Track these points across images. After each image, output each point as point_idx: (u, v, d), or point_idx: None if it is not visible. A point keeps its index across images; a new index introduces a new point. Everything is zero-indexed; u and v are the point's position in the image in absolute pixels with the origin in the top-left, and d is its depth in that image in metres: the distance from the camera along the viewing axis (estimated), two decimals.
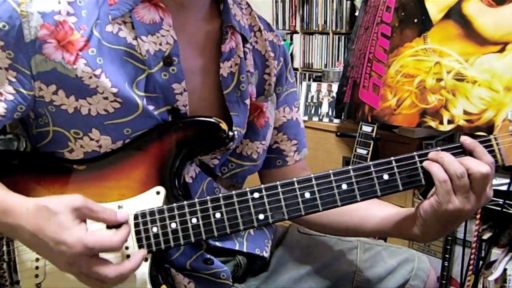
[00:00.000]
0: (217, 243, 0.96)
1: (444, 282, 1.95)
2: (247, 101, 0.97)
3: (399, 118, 1.75)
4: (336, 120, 2.44)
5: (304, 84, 2.59)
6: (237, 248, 0.99)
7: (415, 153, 0.83)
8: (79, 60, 0.82)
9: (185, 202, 0.84)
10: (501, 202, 1.78)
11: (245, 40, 0.97)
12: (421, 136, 2.04)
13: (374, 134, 1.98)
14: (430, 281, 1.04)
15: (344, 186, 0.83)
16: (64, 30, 0.82)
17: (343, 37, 3.08)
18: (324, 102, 2.51)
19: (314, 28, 3.23)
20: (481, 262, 1.91)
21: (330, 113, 2.48)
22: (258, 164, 1.05)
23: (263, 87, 1.03)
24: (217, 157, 0.98)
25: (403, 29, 1.75)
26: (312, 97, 2.54)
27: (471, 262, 1.90)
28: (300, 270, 1.05)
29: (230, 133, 0.90)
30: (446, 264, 1.93)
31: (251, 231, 1.04)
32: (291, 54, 3.36)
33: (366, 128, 2.00)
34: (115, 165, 0.87)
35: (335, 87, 2.43)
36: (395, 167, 0.83)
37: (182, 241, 0.84)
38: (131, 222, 0.85)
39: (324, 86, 2.53)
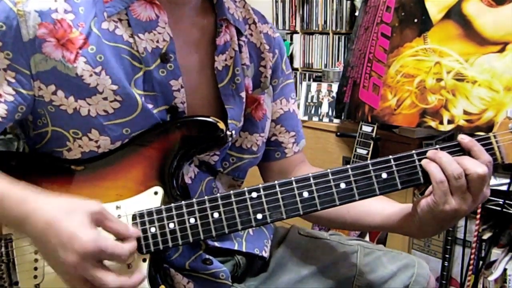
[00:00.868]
0: (216, 243, 0.96)
1: (444, 282, 1.94)
2: (243, 94, 0.97)
3: (399, 118, 1.75)
4: (336, 120, 2.43)
5: (304, 84, 2.59)
6: (236, 248, 0.99)
7: (413, 151, 0.83)
8: (79, 58, 0.82)
9: (183, 202, 0.84)
10: (501, 202, 1.78)
11: (239, 33, 0.97)
12: (421, 136, 2.04)
13: (374, 134, 1.97)
14: (430, 287, 1.04)
15: (343, 185, 0.83)
16: (62, 28, 0.82)
17: (343, 37, 3.08)
18: (324, 102, 2.51)
19: (314, 28, 3.23)
20: (481, 262, 1.91)
21: (330, 113, 2.47)
22: (259, 156, 1.05)
23: (259, 79, 1.03)
24: (217, 153, 0.97)
25: (403, 29, 1.75)
26: (312, 97, 2.54)
27: (471, 262, 1.90)
28: (300, 272, 1.05)
29: (228, 132, 0.90)
30: (446, 264, 1.93)
31: (250, 231, 1.04)
32: (291, 54, 3.37)
33: (366, 128, 2.00)
34: (113, 166, 0.87)
35: (335, 87, 2.43)
36: (393, 166, 0.83)
37: (180, 241, 0.84)
38: (129, 222, 0.85)
39: (324, 86, 2.53)
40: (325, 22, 3.14)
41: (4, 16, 0.80)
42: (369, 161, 0.83)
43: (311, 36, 3.25)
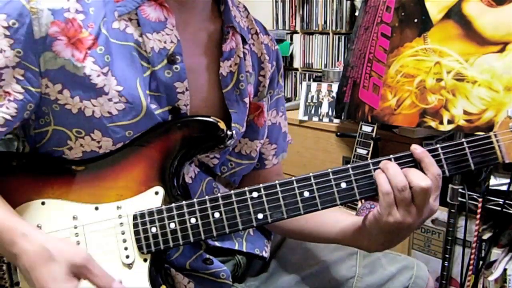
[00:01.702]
0: (217, 243, 0.96)
1: (444, 282, 1.94)
2: (246, 100, 0.98)
3: (399, 118, 1.75)
4: (336, 120, 2.43)
5: (304, 84, 2.59)
6: (236, 248, 0.99)
7: (410, 149, 0.83)
8: (87, 58, 0.82)
9: (183, 202, 0.84)
10: (501, 202, 1.78)
11: (244, 41, 0.98)
12: (421, 136, 2.04)
13: (374, 134, 1.98)
14: None
15: (343, 185, 0.83)
16: (73, 27, 0.82)
17: (343, 37, 3.08)
18: (324, 102, 2.51)
19: (314, 28, 3.23)
20: (481, 262, 1.91)
21: (330, 113, 2.47)
22: (254, 162, 1.06)
23: (257, 88, 1.04)
24: (217, 157, 0.98)
25: (403, 29, 1.75)
26: (312, 97, 2.54)
27: (471, 262, 1.90)
28: (300, 273, 1.05)
29: (229, 132, 0.90)
30: (446, 264, 1.93)
31: (251, 231, 1.04)
32: (291, 54, 3.37)
33: (366, 128, 2.00)
34: (114, 166, 0.87)
35: (335, 87, 2.43)
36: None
37: (181, 241, 0.84)
38: (130, 222, 0.85)
39: (324, 86, 2.53)
40: (325, 22, 3.14)
41: (17, 14, 0.80)
42: (369, 161, 0.83)
43: (311, 36, 3.25)
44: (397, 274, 1.03)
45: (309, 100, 2.55)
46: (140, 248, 0.84)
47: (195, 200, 0.84)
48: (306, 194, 0.83)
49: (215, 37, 0.95)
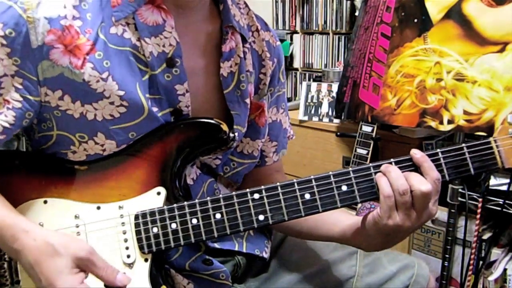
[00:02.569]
0: (216, 244, 0.96)
1: (444, 282, 1.95)
2: (247, 100, 0.98)
3: (399, 118, 1.75)
4: (336, 120, 2.43)
5: (304, 84, 2.59)
6: (236, 248, 0.99)
7: (410, 153, 0.83)
8: (86, 64, 0.82)
9: (185, 203, 0.84)
10: (501, 202, 1.78)
11: (244, 40, 0.98)
12: (421, 136, 2.04)
13: (374, 134, 1.98)
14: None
15: (344, 188, 0.83)
16: (70, 34, 0.82)
17: (343, 37, 3.08)
18: (324, 102, 2.51)
19: (314, 28, 3.23)
20: (481, 262, 1.91)
21: (330, 113, 2.47)
22: (256, 162, 1.06)
23: (258, 86, 1.04)
24: (219, 157, 0.98)
25: (403, 29, 1.75)
26: (312, 97, 2.54)
27: (471, 262, 1.90)
28: (300, 273, 1.05)
29: (231, 134, 0.90)
30: (446, 264, 1.93)
31: (251, 231, 1.04)
32: (291, 54, 3.37)
33: (366, 128, 2.00)
34: (117, 166, 0.87)
35: (335, 87, 2.43)
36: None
37: (182, 242, 0.84)
38: (132, 222, 0.85)
39: (324, 86, 2.53)
40: (325, 22, 3.14)
41: (14, 23, 0.79)
42: (370, 164, 0.83)
43: (311, 36, 3.25)
44: (398, 273, 1.03)
45: (309, 100, 2.55)
46: (141, 248, 0.84)
47: (196, 200, 0.84)
48: (307, 196, 0.83)
49: (214, 37, 0.95)
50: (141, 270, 0.84)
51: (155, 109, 0.87)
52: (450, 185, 1.83)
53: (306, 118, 2.52)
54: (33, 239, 0.77)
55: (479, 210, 1.83)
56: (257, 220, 0.83)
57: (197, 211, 0.84)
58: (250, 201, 0.84)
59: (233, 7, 0.97)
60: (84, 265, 0.77)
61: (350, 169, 0.83)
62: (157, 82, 0.87)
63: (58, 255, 0.76)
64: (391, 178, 0.80)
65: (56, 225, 0.85)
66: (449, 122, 1.61)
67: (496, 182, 1.79)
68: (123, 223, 0.85)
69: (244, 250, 1.00)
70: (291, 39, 3.35)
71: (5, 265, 0.84)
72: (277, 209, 0.83)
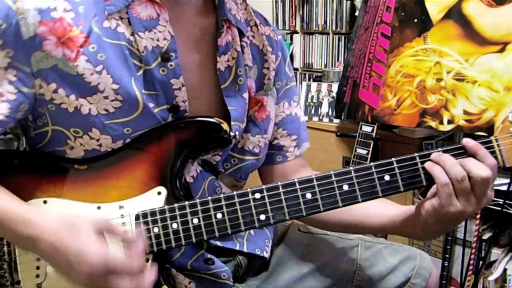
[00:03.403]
0: (218, 243, 0.96)
1: (444, 282, 1.95)
2: (245, 95, 0.97)
3: (399, 118, 1.75)
4: (336, 120, 2.44)
5: (304, 84, 2.59)
6: (237, 248, 0.99)
7: (416, 154, 0.84)
8: (80, 56, 0.82)
9: (186, 202, 0.84)
10: (501, 202, 1.78)
11: (241, 34, 0.97)
12: (421, 136, 2.04)
13: (374, 134, 1.98)
14: (433, 279, 1.04)
15: (346, 187, 0.83)
16: (63, 26, 0.82)
17: (343, 37, 3.08)
18: (324, 102, 2.51)
19: (314, 28, 3.23)
20: (481, 262, 1.91)
21: (330, 113, 2.48)
22: (261, 158, 1.05)
23: (262, 81, 1.03)
24: (219, 154, 0.97)
25: (403, 29, 1.75)
26: (312, 97, 2.54)
27: (471, 262, 1.90)
28: (301, 269, 1.05)
29: (232, 133, 0.90)
30: (446, 264, 1.93)
31: (252, 231, 1.03)
32: (291, 54, 3.36)
33: (366, 128, 2.00)
34: (117, 165, 0.87)
35: (335, 87, 2.43)
36: (396, 168, 0.83)
37: (183, 241, 0.84)
38: (132, 222, 0.85)
39: (324, 86, 2.53)
40: (325, 22, 3.14)
41: (4, 14, 0.80)
42: (371, 163, 0.83)
43: (311, 36, 3.25)
44: (399, 265, 1.02)
45: (309, 100, 2.55)
46: None
47: (197, 200, 0.84)
48: (308, 196, 0.83)
49: (210, 31, 0.95)
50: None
51: (151, 105, 0.87)
52: None
53: (306, 118, 2.52)
54: (46, 221, 0.76)
55: (479, 210, 1.83)
56: (259, 219, 0.83)
57: (198, 211, 0.84)
58: (251, 201, 0.83)
59: (229, 1, 0.97)
60: (102, 228, 0.76)
61: (352, 168, 0.83)
62: (153, 77, 0.87)
63: (77, 226, 0.74)
64: (447, 166, 0.80)
65: None
66: (449, 122, 1.61)
67: (496, 182, 1.78)
68: (123, 223, 0.85)
69: (245, 250, 1.00)
70: (291, 39, 3.35)
71: (5, 266, 0.84)
72: (278, 208, 0.83)
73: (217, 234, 0.84)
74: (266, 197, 0.83)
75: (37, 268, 0.84)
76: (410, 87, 1.71)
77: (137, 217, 0.85)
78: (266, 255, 1.04)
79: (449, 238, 1.91)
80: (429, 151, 0.83)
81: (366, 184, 0.83)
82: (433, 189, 0.83)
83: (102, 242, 0.75)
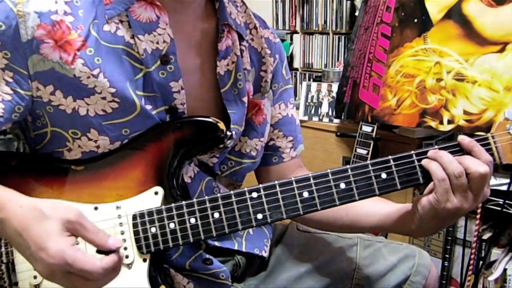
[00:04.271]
0: (216, 243, 0.96)
1: (444, 282, 1.94)
2: (245, 99, 0.97)
3: (399, 118, 1.75)
4: (336, 120, 2.43)
5: (304, 84, 2.59)
6: (236, 247, 0.99)
7: (412, 152, 0.83)
8: (76, 60, 0.82)
9: (183, 202, 0.84)
10: (501, 202, 1.78)
11: (241, 38, 0.97)
12: (421, 136, 2.03)
13: (374, 134, 1.97)
14: (432, 277, 1.04)
15: (343, 185, 0.83)
16: (61, 29, 0.82)
17: (343, 37, 3.08)
18: (324, 102, 2.51)
19: (314, 28, 3.23)
20: (481, 262, 1.91)
21: (330, 113, 2.47)
22: (257, 161, 1.05)
23: (259, 84, 1.03)
24: (216, 156, 0.98)
25: (403, 29, 1.74)
26: (312, 97, 2.54)
27: (471, 262, 1.90)
28: (299, 269, 1.05)
29: (228, 133, 0.90)
30: (446, 264, 1.93)
31: (250, 230, 1.03)
32: (291, 54, 3.37)
33: (366, 128, 1.99)
34: (113, 166, 0.87)
35: (335, 87, 2.43)
36: (393, 166, 0.83)
37: (180, 241, 0.84)
38: (130, 222, 0.85)
39: (324, 86, 2.53)
40: (325, 22, 3.14)
41: (4, 16, 0.80)
42: (368, 161, 0.83)
43: (311, 36, 3.25)
44: (399, 264, 1.03)
45: (309, 100, 2.54)
46: (139, 248, 0.84)
47: (194, 200, 0.84)
48: (305, 194, 0.83)
49: (210, 35, 0.95)
50: (140, 271, 0.84)
51: (148, 107, 0.87)
52: None
53: (306, 118, 2.52)
54: (19, 206, 0.74)
55: (479, 210, 1.83)
56: (256, 219, 0.83)
57: (195, 211, 0.84)
58: (248, 200, 0.83)
59: (230, 4, 0.97)
60: (74, 229, 0.72)
61: (348, 167, 0.83)
62: (152, 80, 0.87)
63: (46, 218, 0.71)
64: (444, 162, 0.81)
65: None
66: (449, 122, 1.61)
67: (496, 182, 1.78)
68: (121, 223, 0.85)
69: (244, 249, 1.00)
70: (291, 39, 3.36)
71: (3, 267, 0.84)
72: (275, 207, 0.83)
73: (214, 233, 0.83)
74: (263, 196, 0.83)
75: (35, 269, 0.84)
76: (410, 87, 1.71)
77: (134, 217, 0.85)
78: (265, 254, 1.04)
79: (449, 238, 1.91)
80: (426, 149, 0.83)
81: (363, 182, 0.83)
82: (430, 185, 0.84)
83: (68, 239, 0.71)
